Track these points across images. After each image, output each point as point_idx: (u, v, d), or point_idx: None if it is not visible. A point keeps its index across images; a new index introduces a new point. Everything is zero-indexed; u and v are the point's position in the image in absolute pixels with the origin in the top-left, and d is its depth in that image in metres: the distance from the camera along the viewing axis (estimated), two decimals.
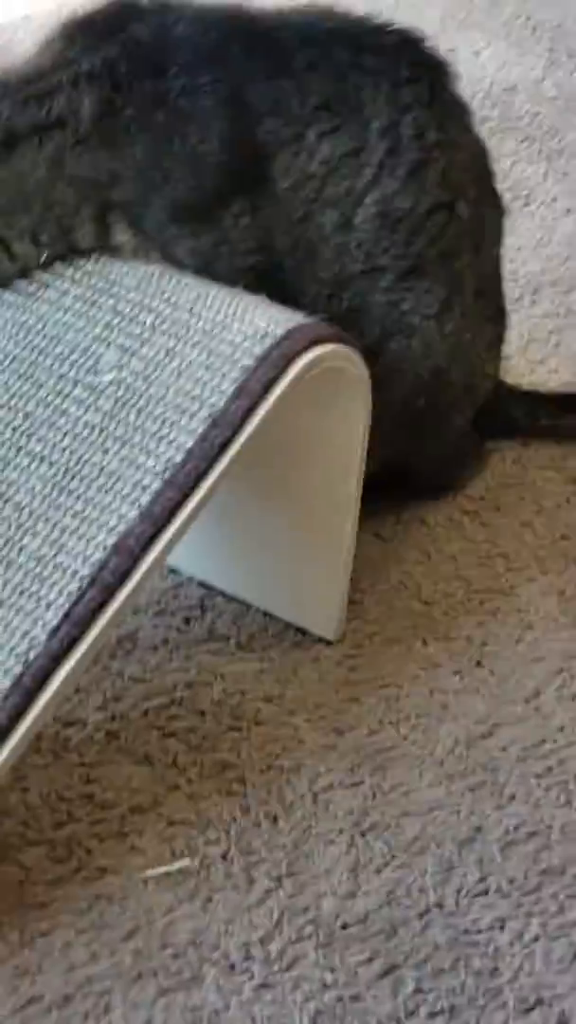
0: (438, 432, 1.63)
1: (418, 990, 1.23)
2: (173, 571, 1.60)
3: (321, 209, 1.46)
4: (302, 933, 1.27)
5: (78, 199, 1.42)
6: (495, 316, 1.66)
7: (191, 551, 1.54)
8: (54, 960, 1.25)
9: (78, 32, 1.45)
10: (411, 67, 1.52)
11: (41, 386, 1.40)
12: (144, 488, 1.31)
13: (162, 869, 1.32)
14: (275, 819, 1.37)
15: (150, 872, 1.32)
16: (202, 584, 1.61)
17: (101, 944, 1.26)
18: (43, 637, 1.26)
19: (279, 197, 1.44)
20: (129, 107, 1.40)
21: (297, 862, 1.33)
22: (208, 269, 1.45)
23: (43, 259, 1.42)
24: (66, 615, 1.27)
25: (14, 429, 1.38)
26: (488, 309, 1.64)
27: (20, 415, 1.39)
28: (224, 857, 1.33)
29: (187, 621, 1.57)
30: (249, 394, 1.33)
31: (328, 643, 1.54)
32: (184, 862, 1.33)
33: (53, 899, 1.29)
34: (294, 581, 1.54)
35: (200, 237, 1.44)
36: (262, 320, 1.38)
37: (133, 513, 1.30)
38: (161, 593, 1.58)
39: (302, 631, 1.56)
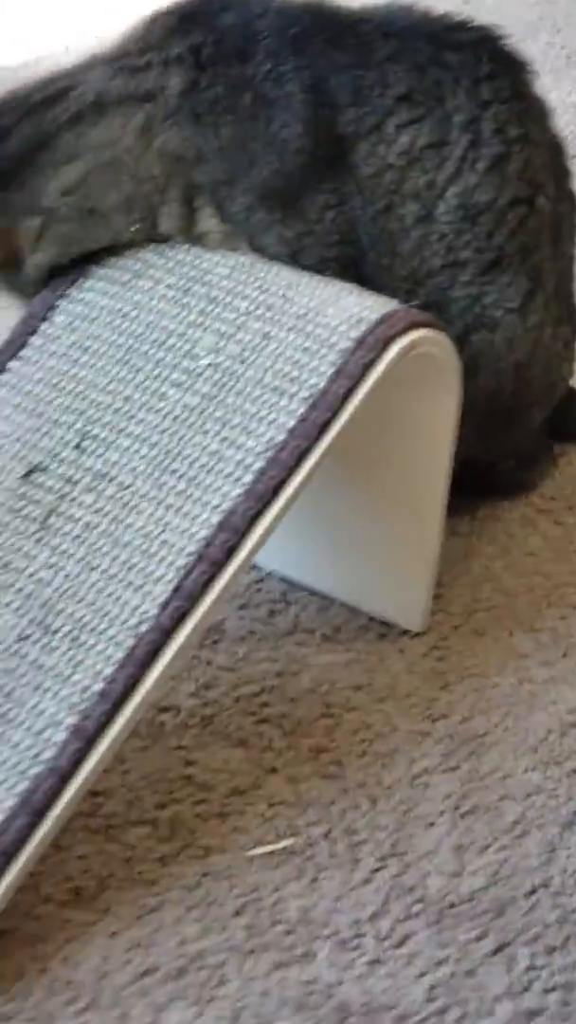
0: (518, 429, 1.64)
1: (531, 967, 1.23)
2: (254, 566, 1.60)
3: (402, 201, 1.47)
4: (411, 911, 1.27)
5: (165, 176, 1.44)
6: (569, 316, 1.68)
7: (272, 546, 1.54)
8: (166, 934, 1.24)
9: (166, 20, 1.47)
10: (491, 63, 1.54)
11: (139, 371, 1.41)
12: (247, 467, 1.32)
13: (267, 848, 1.32)
14: (375, 801, 1.36)
15: (255, 851, 1.32)
16: (283, 579, 1.61)
17: (211, 920, 1.26)
18: (154, 611, 1.27)
19: (361, 187, 1.46)
20: (215, 87, 1.42)
21: (400, 843, 1.33)
22: (294, 259, 1.47)
23: (133, 229, 1.43)
24: (176, 589, 1.27)
25: (115, 412, 1.39)
26: (563, 308, 1.65)
27: (120, 399, 1.39)
28: (327, 837, 1.33)
29: (271, 614, 1.57)
30: (348, 376, 1.34)
31: (413, 635, 1.54)
32: (288, 842, 1.32)
33: (160, 876, 1.29)
34: (380, 573, 1.55)
35: (287, 226, 1.45)
36: (356, 305, 1.39)
37: (237, 491, 1.31)
38: (244, 587, 1.59)
39: (386, 623, 1.56)
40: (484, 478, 1.66)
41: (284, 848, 1.32)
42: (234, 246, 1.47)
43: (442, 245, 1.51)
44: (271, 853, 1.32)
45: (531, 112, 1.58)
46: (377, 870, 1.30)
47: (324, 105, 1.46)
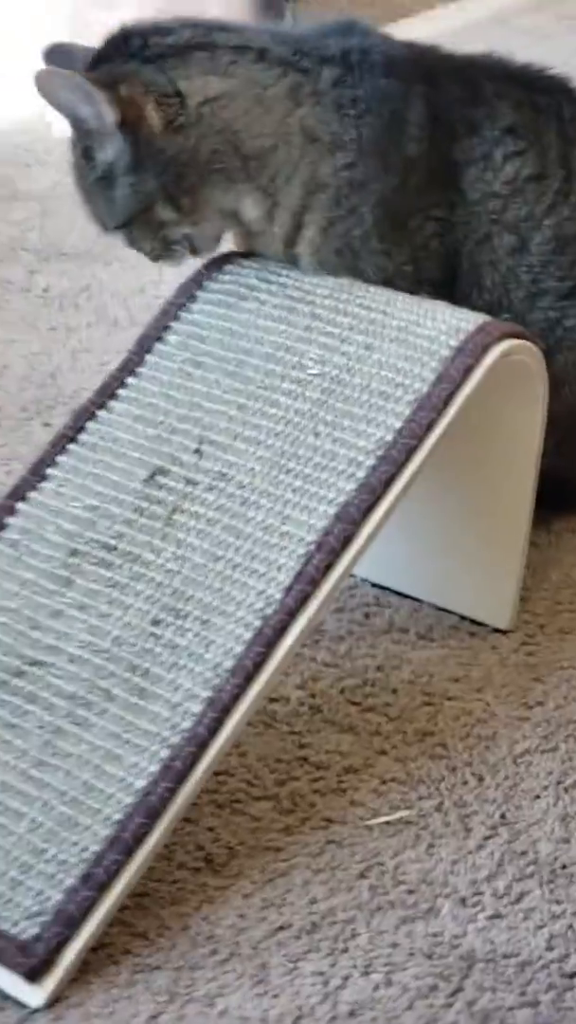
0: None
1: None
2: None
3: (500, 231, 1.59)
4: (524, 872, 1.36)
5: (299, 151, 1.54)
6: None
7: (365, 554, 1.64)
8: (296, 895, 1.33)
9: (321, 28, 1.61)
10: (571, 106, 1.67)
11: (250, 382, 1.51)
12: (359, 464, 1.42)
13: (383, 818, 1.41)
14: (481, 778, 1.46)
15: (373, 821, 1.41)
16: (375, 585, 1.71)
17: (337, 882, 1.34)
18: (278, 595, 1.36)
19: (467, 214, 1.57)
20: (360, 88, 1.54)
21: (508, 814, 1.42)
22: (388, 285, 1.58)
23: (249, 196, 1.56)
24: (298, 574, 1.37)
25: (230, 419, 1.49)
26: None
27: (234, 407, 1.50)
28: (439, 809, 1.42)
29: (367, 616, 1.67)
30: (450, 379, 1.45)
31: (503, 632, 1.64)
32: (403, 813, 1.42)
33: (286, 844, 1.38)
34: (470, 575, 1.65)
35: (389, 252, 1.56)
36: (453, 317, 1.50)
37: (351, 486, 1.41)
38: (339, 593, 1.68)
39: (476, 623, 1.66)
40: (562, 493, 1.76)
41: (400, 819, 1.41)
42: (322, 272, 1.58)
43: (528, 277, 1.62)
44: (388, 823, 1.41)
45: None
46: (489, 837, 1.39)
47: (444, 132, 1.59)
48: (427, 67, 1.60)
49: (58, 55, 1.55)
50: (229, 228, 1.59)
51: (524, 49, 3.29)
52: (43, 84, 1.50)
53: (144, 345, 1.58)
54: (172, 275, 2.29)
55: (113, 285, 2.34)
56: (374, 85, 1.55)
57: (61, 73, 1.49)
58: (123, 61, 1.52)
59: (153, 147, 1.51)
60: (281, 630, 1.35)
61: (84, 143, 1.54)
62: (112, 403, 1.54)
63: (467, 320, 1.49)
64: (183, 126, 1.51)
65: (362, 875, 1.35)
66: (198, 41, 1.53)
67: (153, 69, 1.51)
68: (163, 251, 1.58)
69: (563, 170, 1.62)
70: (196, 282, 1.61)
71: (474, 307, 1.59)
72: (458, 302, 1.59)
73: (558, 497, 1.76)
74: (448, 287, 1.60)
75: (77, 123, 1.53)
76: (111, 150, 1.52)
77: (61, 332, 2.21)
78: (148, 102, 1.51)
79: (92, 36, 1.58)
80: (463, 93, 1.60)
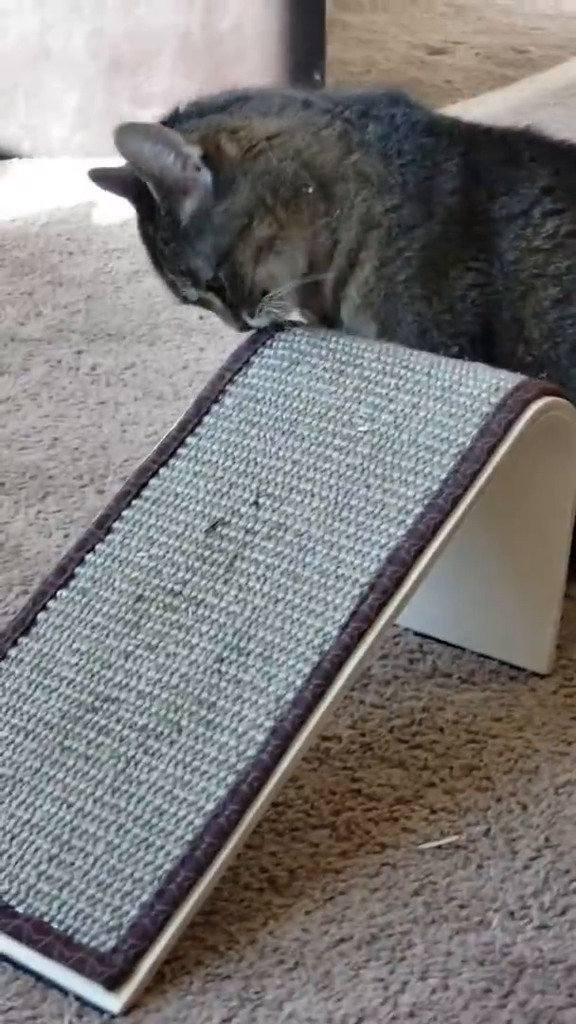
0: None
1: None
2: None
3: (544, 284, 1.70)
4: (568, 888, 1.45)
5: (353, 194, 1.68)
6: None
7: (408, 604, 1.74)
8: (355, 911, 1.42)
9: (371, 95, 1.76)
10: None
11: (304, 439, 1.62)
12: (408, 512, 1.53)
13: (434, 843, 1.50)
14: (525, 807, 1.55)
15: (425, 845, 1.50)
16: (418, 634, 1.81)
17: (393, 899, 1.44)
18: (334, 633, 1.47)
19: (506, 271, 1.69)
20: (404, 144, 1.68)
21: (552, 838, 1.51)
22: (422, 336, 1.69)
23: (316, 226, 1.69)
24: (353, 613, 1.48)
25: (285, 474, 1.60)
26: None
27: (289, 463, 1.61)
28: (487, 834, 1.51)
29: (411, 662, 1.77)
30: (492, 433, 1.56)
31: (541, 676, 1.74)
32: (453, 838, 1.51)
33: (344, 867, 1.47)
34: (509, 622, 1.75)
35: (429, 300, 1.67)
36: (493, 377, 1.61)
37: (401, 532, 1.52)
38: (384, 641, 1.78)
39: (515, 667, 1.75)
40: None
41: (450, 843, 1.50)
42: (364, 318, 1.69)
43: (574, 330, 1.72)
44: (439, 847, 1.50)
45: None
46: (534, 858, 1.48)
47: (481, 190, 1.71)
48: (467, 132, 1.73)
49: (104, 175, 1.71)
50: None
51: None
52: (123, 138, 1.62)
53: (201, 407, 1.69)
54: (214, 352, 2.43)
55: (157, 363, 2.45)
56: (416, 143, 1.68)
57: (141, 125, 1.63)
58: (186, 120, 1.66)
59: (237, 172, 1.65)
60: (338, 665, 1.45)
61: (167, 199, 1.65)
62: (172, 461, 1.65)
63: (507, 379, 1.60)
64: (260, 151, 1.65)
65: (416, 893, 1.44)
66: (247, 96, 1.70)
67: (217, 115, 1.67)
68: (252, 304, 1.67)
69: None
70: (250, 348, 1.72)
71: (521, 362, 1.70)
72: (502, 358, 1.69)
73: None
74: (486, 344, 1.71)
75: (159, 177, 1.64)
76: (197, 191, 1.64)
77: (110, 406, 2.33)
78: (221, 135, 1.65)
79: None
80: (502, 155, 1.73)
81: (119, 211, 3.06)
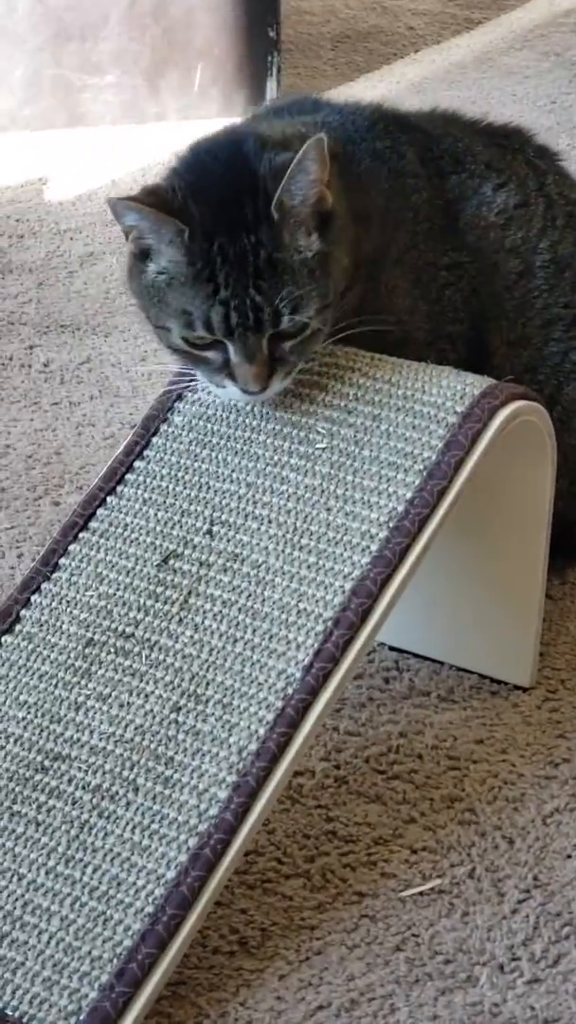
0: None
1: None
2: None
3: (506, 257, 1.61)
4: (560, 934, 1.36)
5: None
6: None
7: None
8: (332, 972, 1.33)
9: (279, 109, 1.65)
10: (532, 147, 1.73)
11: (259, 459, 1.52)
12: (372, 536, 1.43)
13: (416, 889, 1.41)
14: (511, 841, 1.46)
15: (406, 892, 1.41)
16: (394, 649, 1.71)
17: (374, 956, 1.35)
18: (298, 674, 1.37)
19: (471, 248, 1.59)
20: (363, 161, 1.55)
21: (541, 875, 1.42)
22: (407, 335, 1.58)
23: None
24: (317, 652, 1.38)
25: (240, 498, 1.50)
26: None
27: (243, 486, 1.51)
28: (471, 876, 1.42)
29: (387, 681, 1.67)
30: (459, 446, 1.45)
31: (524, 690, 1.64)
32: (436, 882, 1.42)
33: (320, 922, 1.38)
34: (488, 634, 1.65)
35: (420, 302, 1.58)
36: (457, 383, 1.50)
37: (365, 559, 1.42)
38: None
39: (496, 681, 1.66)
40: (573, 538, 1.77)
41: (432, 888, 1.41)
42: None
43: (540, 302, 1.63)
44: (421, 894, 1.41)
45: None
46: (523, 901, 1.39)
47: (435, 171, 1.62)
48: (401, 116, 1.64)
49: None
50: None
51: (510, 88, 3.32)
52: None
53: (149, 427, 1.58)
54: None
55: (113, 356, 2.35)
56: (370, 148, 1.57)
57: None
58: None
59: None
60: (304, 709, 1.35)
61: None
62: (120, 488, 1.55)
63: (472, 384, 1.49)
64: None
65: (398, 948, 1.35)
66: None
67: None
68: (290, 365, 1.48)
69: (543, 197, 1.67)
70: None
71: (504, 340, 1.64)
72: (489, 337, 1.61)
73: (570, 543, 1.76)
74: (477, 343, 1.61)
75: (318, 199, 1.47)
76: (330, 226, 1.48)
77: (64, 407, 2.22)
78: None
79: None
80: (440, 130, 1.65)
81: (72, 186, 2.95)
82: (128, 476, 1.57)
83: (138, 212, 1.43)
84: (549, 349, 1.65)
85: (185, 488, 1.53)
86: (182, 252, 1.43)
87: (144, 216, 1.43)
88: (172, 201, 1.44)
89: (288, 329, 1.44)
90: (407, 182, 1.59)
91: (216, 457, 1.54)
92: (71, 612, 1.48)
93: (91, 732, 1.39)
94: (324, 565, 1.43)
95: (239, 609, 1.43)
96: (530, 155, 1.72)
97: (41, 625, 1.48)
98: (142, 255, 1.47)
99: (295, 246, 1.44)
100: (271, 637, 1.40)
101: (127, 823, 1.33)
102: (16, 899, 1.31)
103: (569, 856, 1.44)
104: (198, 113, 3.25)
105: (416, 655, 1.70)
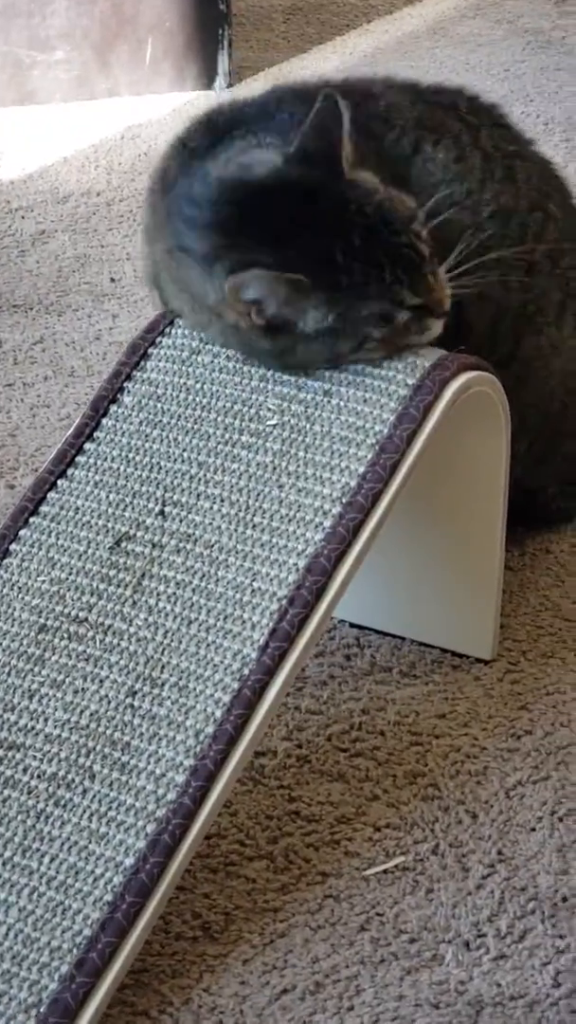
0: (566, 444, 1.73)
1: None
2: None
3: (458, 213, 1.58)
4: (525, 909, 1.35)
5: None
6: None
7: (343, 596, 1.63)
8: (297, 955, 1.32)
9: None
10: (469, 101, 1.71)
11: (210, 437, 1.50)
12: (325, 513, 1.41)
13: (380, 867, 1.40)
14: (475, 815, 1.44)
15: (369, 871, 1.39)
16: (354, 625, 1.70)
17: (338, 937, 1.33)
18: (254, 655, 1.35)
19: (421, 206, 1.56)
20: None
21: (505, 849, 1.41)
22: None
23: None
24: (272, 632, 1.36)
25: (192, 478, 1.48)
26: None
27: (195, 465, 1.49)
28: (435, 852, 1.41)
29: (348, 658, 1.66)
30: (411, 419, 1.44)
31: (485, 663, 1.63)
32: (399, 859, 1.40)
33: (284, 904, 1.36)
34: (448, 609, 1.64)
35: None
36: (408, 355, 1.48)
37: (319, 536, 1.40)
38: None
39: (458, 655, 1.64)
40: (531, 506, 1.75)
41: (396, 866, 1.40)
42: None
43: (495, 252, 1.59)
44: (385, 872, 1.39)
45: (517, 138, 1.71)
46: (487, 876, 1.38)
47: (370, 137, 1.58)
48: (327, 92, 1.60)
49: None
50: None
51: (463, 57, 3.29)
52: None
53: (99, 408, 1.56)
54: (127, 320, 2.30)
55: (68, 335, 2.32)
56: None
57: None
58: None
59: None
60: (260, 690, 1.34)
61: None
62: (71, 471, 1.53)
63: (423, 356, 1.48)
64: None
65: (363, 928, 1.34)
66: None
67: None
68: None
69: (479, 151, 1.64)
70: (146, 339, 1.59)
71: (480, 303, 1.58)
72: (467, 308, 1.57)
73: (529, 511, 1.75)
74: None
75: None
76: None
77: (18, 388, 2.19)
78: None
79: None
80: (363, 98, 1.61)
81: (23, 165, 2.92)
82: (79, 459, 1.54)
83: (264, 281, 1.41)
84: (509, 301, 1.62)
85: (136, 469, 1.51)
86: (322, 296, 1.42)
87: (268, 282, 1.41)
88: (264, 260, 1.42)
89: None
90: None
91: (167, 437, 1.52)
92: (23, 598, 1.46)
93: (45, 720, 1.37)
94: (277, 543, 1.41)
95: (193, 590, 1.41)
96: (464, 110, 1.68)
97: None
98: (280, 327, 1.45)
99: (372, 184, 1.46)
100: (226, 618, 1.38)
101: (84, 811, 1.31)
102: None
103: (533, 829, 1.43)
104: (150, 88, 3.22)
105: (377, 631, 1.69)
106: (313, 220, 1.44)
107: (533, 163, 1.71)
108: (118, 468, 1.52)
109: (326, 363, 1.47)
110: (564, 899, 1.35)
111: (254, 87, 3.27)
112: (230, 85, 3.27)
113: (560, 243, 1.67)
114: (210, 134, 1.57)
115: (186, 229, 1.48)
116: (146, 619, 1.41)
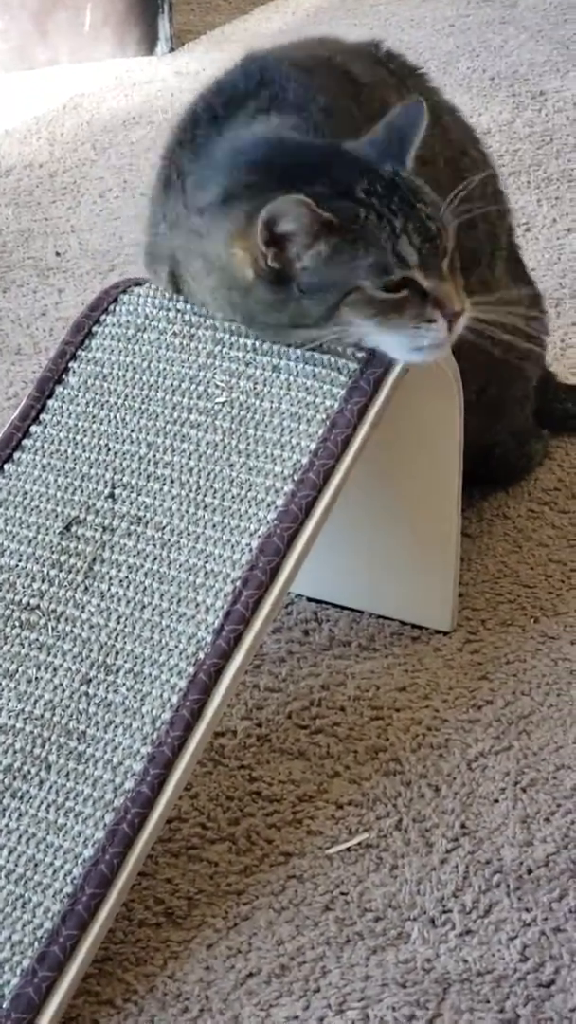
0: (514, 386, 1.71)
1: None
2: None
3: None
4: (490, 882, 1.34)
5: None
6: (524, 278, 1.77)
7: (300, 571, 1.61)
8: (262, 938, 1.31)
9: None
10: (382, 51, 1.70)
11: (158, 417, 1.48)
12: (277, 491, 1.39)
13: (343, 845, 1.39)
14: (437, 789, 1.44)
15: (332, 850, 1.38)
16: (312, 600, 1.68)
17: (303, 918, 1.32)
18: (208, 638, 1.33)
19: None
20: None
21: (469, 822, 1.40)
22: None
23: None
24: (227, 615, 1.34)
25: (141, 459, 1.46)
26: (518, 270, 1.75)
27: (144, 446, 1.47)
28: (398, 827, 1.40)
29: (306, 633, 1.64)
30: (361, 392, 1.42)
31: (445, 634, 1.62)
32: (362, 836, 1.39)
33: (247, 886, 1.35)
34: (406, 581, 1.62)
35: None
36: None
37: (271, 515, 1.38)
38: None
39: (417, 627, 1.63)
40: (487, 465, 1.74)
41: (360, 843, 1.39)
42: None
43: (440, 192, 1.56)
44: (348, 849, 1.38)
45: (429, 86, 1.69)
46: (451, 850, 1.37)
47: (350, 83, 1.59)
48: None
49: None
50: None
51: (408, 13, 3.26)
52: None
53: (44, 389, 1.54)
54: (73, 295, 2.27)
55: (12, 312, 2.29)
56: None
57: None
58: None
59: None
60: (216, 674, 1.32)
61: None
62: (17, 455, 1.51)
63: None
64: None
65: (327, 908, 1.33)
66: None
67: None
68: None
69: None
70: (90, 317, 1.57)
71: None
72: None
73: (481, 471, 1.73)
74: None
75: None
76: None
77: None
78: None
79: None
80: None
81: None
82: (25, 442, 1.52)
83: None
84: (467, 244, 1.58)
85: (84, 451, 1.49)
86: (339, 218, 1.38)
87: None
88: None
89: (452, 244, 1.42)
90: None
91: (114, 417, 1.50)
92: None
93: None
94: (230, 523, 1.39)
95: (145, 574, 1.39)
96: (381, 58, 1.67)
97: None
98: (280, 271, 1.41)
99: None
100: (179, 601, 1.37)
101: (41, 802, 1.29)
102: None
103: (496, 801, 1.42)
104: (90, 55, 3.18)
105: (335, 605, 1.67)
106: (356, 176, 1.41)
107: (450, 115, 1.71)
108: (66, 451, 1.50)
109: (314, 324, 1.41)
110: (529, 871, 1.34)
111: (196, 51, 3.24)
112: (172, 50, 3.24)
113: (483, 188, 1.66)
114: (216, 119, 1.54)
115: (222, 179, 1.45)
116: (98, 605, 1.39)
